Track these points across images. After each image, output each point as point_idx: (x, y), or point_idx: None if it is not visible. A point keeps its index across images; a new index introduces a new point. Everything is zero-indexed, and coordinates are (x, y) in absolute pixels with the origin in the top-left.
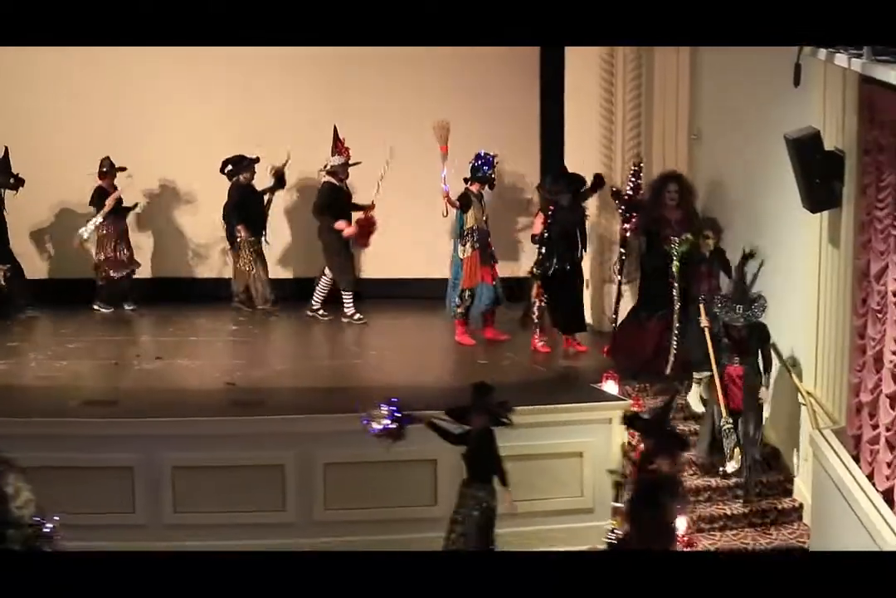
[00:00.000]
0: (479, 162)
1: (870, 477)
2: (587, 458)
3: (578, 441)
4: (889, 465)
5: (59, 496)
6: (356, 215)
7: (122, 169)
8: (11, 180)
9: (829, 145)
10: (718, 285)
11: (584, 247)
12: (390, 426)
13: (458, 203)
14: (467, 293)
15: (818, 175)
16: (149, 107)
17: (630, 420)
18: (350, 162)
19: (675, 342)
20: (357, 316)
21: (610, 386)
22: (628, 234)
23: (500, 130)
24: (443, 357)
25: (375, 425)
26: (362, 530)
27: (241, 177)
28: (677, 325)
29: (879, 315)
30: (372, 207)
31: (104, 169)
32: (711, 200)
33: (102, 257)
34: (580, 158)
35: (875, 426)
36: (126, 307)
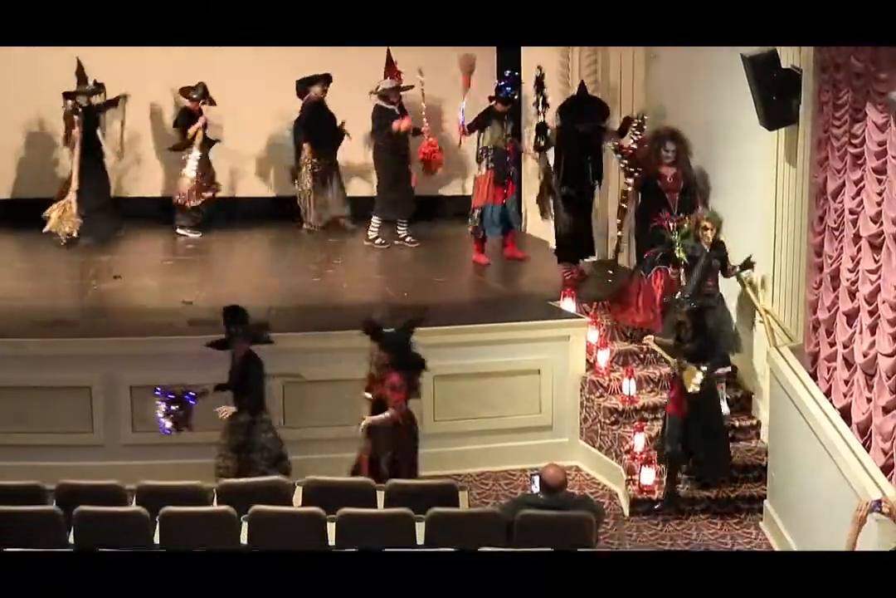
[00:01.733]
0: (503, 82)
1: (827, 394)
2: (545, 375)
3: (536, 358)
4: (846, 382)
5: (16, 416)
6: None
7: (213, 103)
8: (88, 88)
9: (785, 63)
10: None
11: (599, 177)
12: (178, 413)
13: (467, 131)
14: (477, 213)
15: (775, 93)
16: None
17: (372, 329)
18: (402, 85)
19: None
20: (378, 240)
21: (568, 304)
22: (630, 189)
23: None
24: (405, 276)
25: (167, 423)
26: (321, 448)
27: (311, 93)
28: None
29: (836, 233)
30: (428, 130)
31: (194, 95)
32: (670, 120)
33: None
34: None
35: (832, 344)
36: (180, 231)
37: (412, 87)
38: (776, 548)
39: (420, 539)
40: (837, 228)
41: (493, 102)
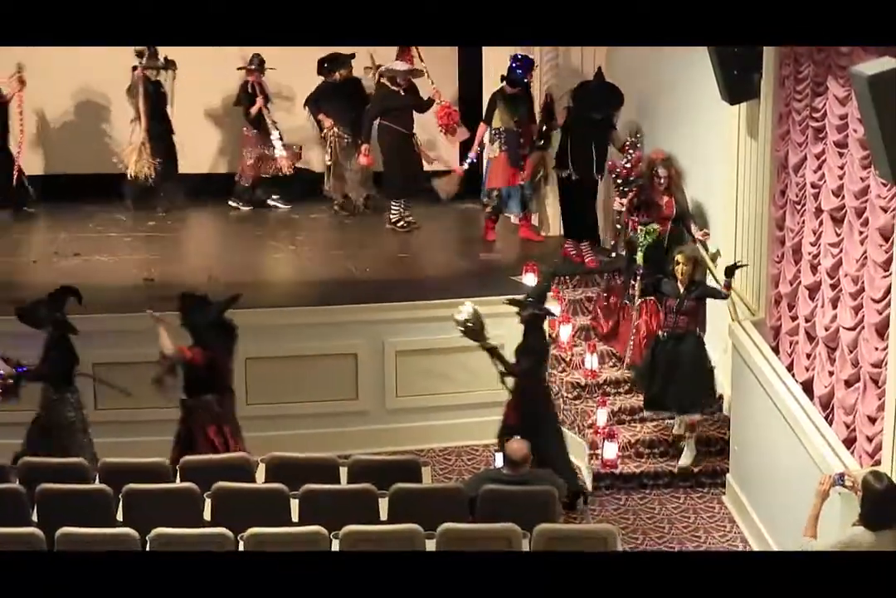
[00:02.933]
0: (514, 64)
1: (789, 368)
2: (508, 351)
3: (498, 334)
4: (808, 356)
5: None
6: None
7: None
8: (159, 63)
9: None
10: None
11: (602, 166)
12: (8, 383)
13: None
14: (494, 193)
15: (736, 67)
16: None
17: (184, 300)
18: (414, 69)
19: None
20: (401, 223)
21: (529, 279)
22: (623, 209)
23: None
24: (368, 252)
25: None
26: (284, 425)
27: (336, 74)
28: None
29: (798, 206)
30: (437, 95)
31: (252, 66)
32: (631, 95)
33: (248, 158)
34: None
35: (794, 318)
36: (271, 203)
37: (423, 73)
38: (738, 521)
39: (383, 515)
40: (799, 202)
41: (503, 84)
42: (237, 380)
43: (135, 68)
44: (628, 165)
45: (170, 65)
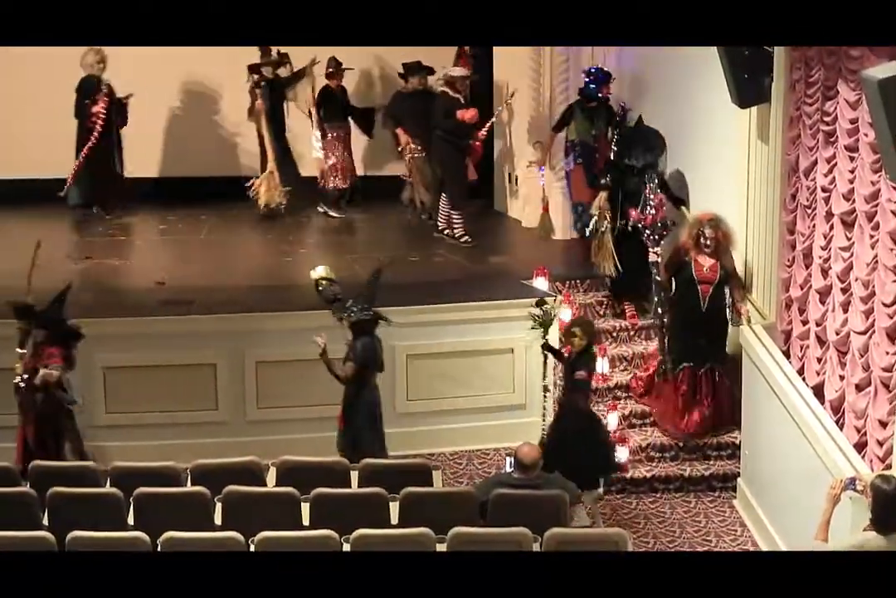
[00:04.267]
0: (588, 79)
1: (800, 372)
2: (518, 354)
3: (509, 337)
4: (819, 360)
5: None
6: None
7: (349, 68)
8: (273, 59)
9: None
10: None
11: (639, 213)
12: None
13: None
14: (580, 208)
15: (747, 71)
16: None
17: (23, 311)
18: (471, 74)
19: None
20: (465, 238)
21: (540, 282)
22: (658, 260)
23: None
24: (378, 254)
25: None
26: (294, 428)
27: (409, 83)
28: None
29: (808, 211)
30: (486, 129)
31: (331, 69)
32: (641, 96)
33: (329, 164)
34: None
35: (805, 322)
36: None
37: (478, 75)
38: (749, 525)
39: (394, 519)
40: (810, 206)
41: (580, 97)
42: (247, 383)
43: (251, 70)
44: (652, 212)
45: (284, 59)
